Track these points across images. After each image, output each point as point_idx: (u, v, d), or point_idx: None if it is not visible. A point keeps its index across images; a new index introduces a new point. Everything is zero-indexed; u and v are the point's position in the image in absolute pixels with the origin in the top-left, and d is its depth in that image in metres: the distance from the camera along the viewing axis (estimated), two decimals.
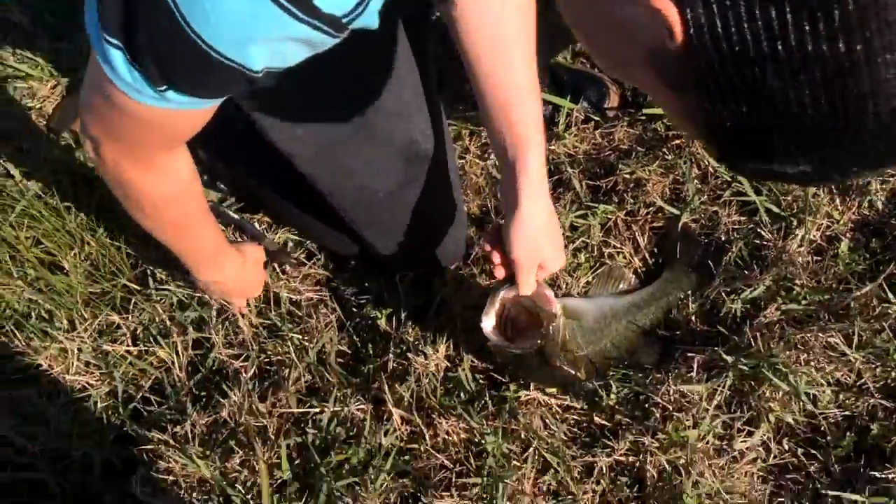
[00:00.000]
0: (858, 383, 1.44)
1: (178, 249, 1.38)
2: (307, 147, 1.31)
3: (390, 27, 1.25)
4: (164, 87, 0.85)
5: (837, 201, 1.66)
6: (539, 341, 1.36)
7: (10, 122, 1.96)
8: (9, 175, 1.86)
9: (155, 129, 0.98)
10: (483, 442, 1.42)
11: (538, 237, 1.29)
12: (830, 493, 1.34)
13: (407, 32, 1.29)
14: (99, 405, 1.58)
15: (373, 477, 1.39)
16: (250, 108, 1.24)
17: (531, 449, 1.41)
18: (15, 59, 2.06)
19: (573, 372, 1.42)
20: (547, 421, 1.45)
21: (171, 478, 1.44)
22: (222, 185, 1.80)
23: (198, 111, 0.94)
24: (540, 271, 1.35)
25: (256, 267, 1.59)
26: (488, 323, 1.37)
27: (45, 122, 1.97)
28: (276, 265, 1.68)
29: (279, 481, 1.43)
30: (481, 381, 1.52)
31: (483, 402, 1.46)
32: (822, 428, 1.41)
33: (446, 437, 1.44)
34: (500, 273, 1.37)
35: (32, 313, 1.69)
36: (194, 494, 1.43)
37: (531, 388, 1.48)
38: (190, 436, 1.48)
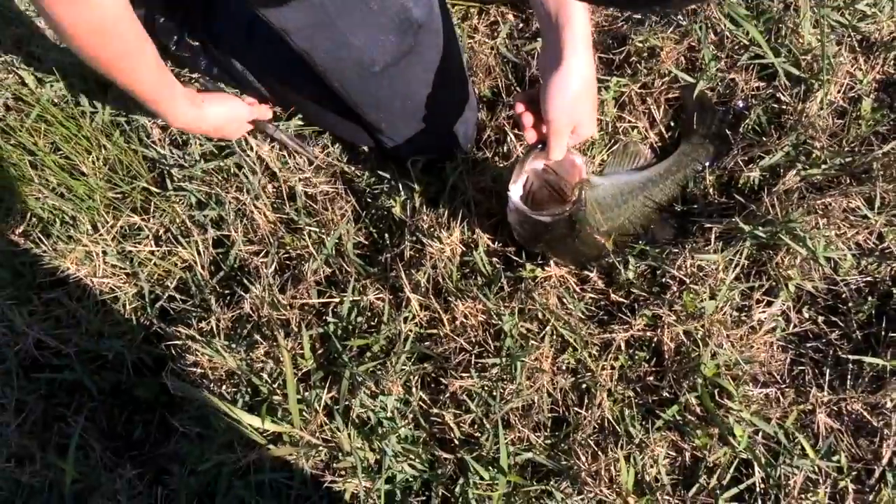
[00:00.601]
0: (881, 247, 1.36)
1: (130, 89, 1.32)
2: (300, 18, 1.22)
3: None
4: None
5: (860, 60, 1.53)
6: (568, 208, 1.28)
7: (20, 29, 1.89)
8: (23, 82, 1.81)
9: None
10: (500, 323, 1.38)
11: (579, 97, 1.20)
12: (851, 357, 1.29)
13: None
14: (127, 306, 1.57)
15: (394, 361, 1.37)
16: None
17: (548, 328, 1.37)
18: None
19: (602, 241, 1.35)
20: (564, 299, 1.41)
21: (199, 370, 1.43)
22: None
23: None
24: (571, 136, 1.26)
25: (234, 125, 1.57)
26: (516, 191, 1.29)
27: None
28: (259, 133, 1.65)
29: (303, 370, 1.42)
30: (497, 264, 1.47)
31: (500, 284, 1.42)
32: (843, 294, 1.35)
33: (464, 320, 1.40)
34: (530, 137, 1.29)
35: (56, 219, 1.67)
36: (223, 386, 1.43)
37: (547, 266, 1.43)
38: (216, 330, 1.47)
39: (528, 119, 1.28)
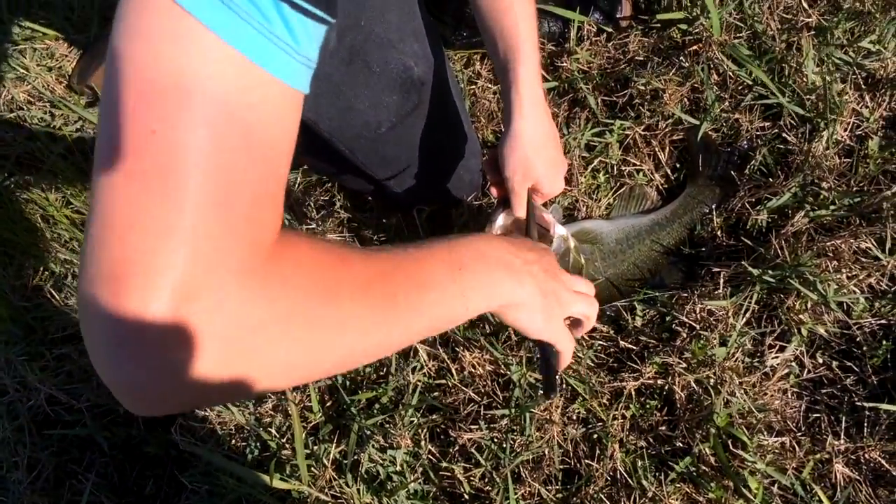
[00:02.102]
0: (893, 289, 1.29)
1: (426, 319, 0.72)
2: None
3: None
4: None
5: (867, 98, 1.47)
6: None
7: (32, 84, 1.87)
8: (34, 138, 1.78)
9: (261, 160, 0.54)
10: (509, 373, 1.32)
11: (530, 156, 1.17)
12: (867, 404, 1.22)
13: None
14: None
15: (402, 414, 1.31)
16: None
17: (557, 377, 1.31)
18: (30, 20, 1.95)
19: None
20: None
21: (208, 426, 1.38)
22: None
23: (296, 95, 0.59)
24: (536, 194, 1.22)
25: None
26: None
27: (65, 82, 1.87)
28: None
29: (311, 424, 1.36)
30: None
31: (506, 333, 1.36)
32: (857, 338, 1.28)
33: (472, 370, 1.35)
34: (493, 192, 1.26)
35: (69, 274, 1.63)
36: (232, 441, 1.38)
37: None
38: None
39: (491, 176, 1.25)
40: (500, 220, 1.25)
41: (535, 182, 1.19)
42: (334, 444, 1.31)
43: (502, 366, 1.33)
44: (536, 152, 1.17)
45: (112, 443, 1.46)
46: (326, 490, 1.28)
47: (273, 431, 1.35)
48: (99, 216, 0.49)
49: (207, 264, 0.49)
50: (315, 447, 1.32)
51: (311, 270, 0.57)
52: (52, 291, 1.58)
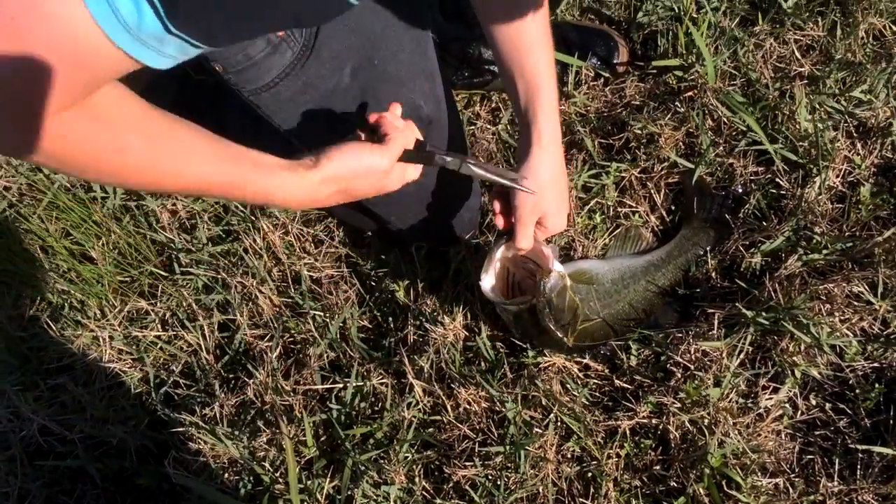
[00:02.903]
0: (886, 332, 1.32)
1: (200, 190, 0.99)
2: (315, 126, 1.21)
3: None
4: (178, 32, 0.69)
5: (858, 145, 1.51)
6: (532, 298, 1.26)
7: None
8: (37, 169, 1.81)
9: (81, 71, 0.72)
10: (504, 410, 1.33)
11: (543, 189, 1.22)
12: (860, 447, 1.23)
13: None
14: (132, 391, 1.53)
15: (397, 449, 1.32)
16: (251, 94, 1.14)
17: (552, 415, 1.32)
18: None
19: (558, 335, 1.30)
20: (567, 386, 1.36)
21: (202, 459, 1.39)
22: None
23: (136, 64, 0.74)
24: (540, 229, 1.26)
25: (363, 181, 1.11)
26: (487, 281, 1.28)
27: None
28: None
29: (305, 458, 1.37)
30: (500, 349, 1.43)
31: (502, 370, 1.37)
32: (850, 381, 1.30)
33: (467, 406, 1.36)
34: (499, 222, 1.29)
35: (65, 304, 1.64)
36: (225, 474, 1.38)
37: (548, 353, 1.39)
38: (219, 417, 1.42)
39: (498, 206, 1.28)
40: (500, 252, 1.27)
41: (541, 216, 1.22)
42: (328, 479, 1.31)
43: (497, 403, 1.34)
44: (549, 187, 1.21)
45: (104, 475, 1.46)
46: None
47: (267, 465, 1.35)
48: None
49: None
50: (309, 482, 1.32)
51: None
52: (49, 322, 1.59)
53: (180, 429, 1.41)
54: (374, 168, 1.10)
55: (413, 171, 1.17)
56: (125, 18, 0.66)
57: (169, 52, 0.72)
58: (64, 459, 1.47)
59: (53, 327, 1.58)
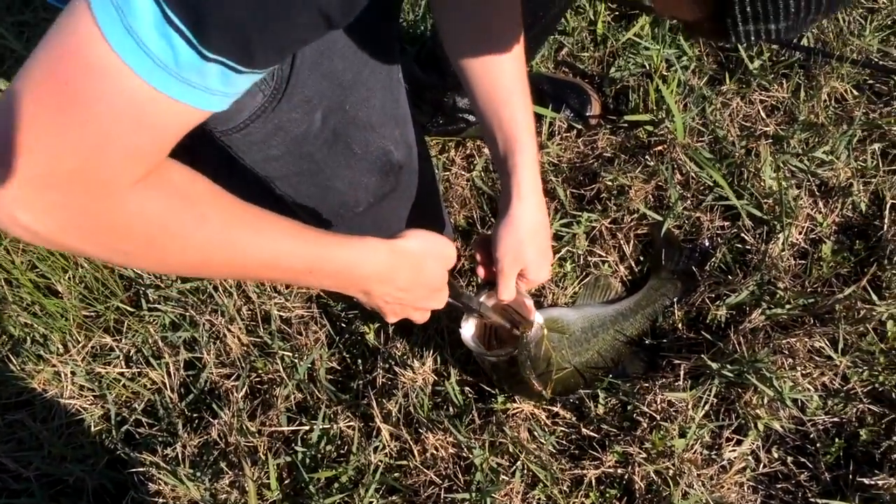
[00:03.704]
0: (846, 388, 1.36)
1: (275, 268, 0.94)
2: (285, 167, 1.23)
3: (355, 34, 1.17)
4: (214, 56, 0.66)
5: (820, 204, 1.57)
6: (513, 350, 1.28)
7: None
8: None
9: (143, 130, 0.70)
10: (471, 456, 1.34)
11: (524, 241, 1.23)
12: (820, 501, 1.26)
13: (370, 39, 1.21)
14: (92, 428, 1.52)
15: (362, 494, 1.32)
16: (222, 135, 1.16)
17: (519, 462, 1.34)
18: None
19: (538, 388, 1.32)
20: (535, 433, 1.38)
21: (161, 500, 1.37)
22: None
23: (202, 114, 0.73)
24: (522, 280, 1.28)
25: (435, 263, 1.13)
26: (467, 329, 1.30)
27: None
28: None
29: (269, 501, 1.36)
30: (469, 394, 1.45)
31: (471, 415, 1.39)
32: (811, 435, 1.33)
33: (434, 451, 1.37)
34: (480, 272, 1.31)
35: (28, 338, 1.63)
36: None
37: (518, 399, 1.41)
38: (181, 457, 1.41)
39: (480, 256, 1.30)
40: (482, 301, 1.29)
41: (523, 267, 1.24)
42: None
43: (465, 449, 1.35)
44: (530, 238, 1.23)
45: None
46: None
47: None
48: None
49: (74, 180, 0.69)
50: None
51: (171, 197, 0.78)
52: (10, 355, 1.57)
53: (140, 469, 1.40)
54: (446, 254, 1.14)
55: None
56: (159, 57, 0.65)
57: (213, 85, 0.71)
58: (18, 497, 1.45)
59: (14, 361, 1.56)
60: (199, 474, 1.38)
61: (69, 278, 1.67)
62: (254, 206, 0.89)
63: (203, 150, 1.42)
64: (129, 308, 1.64)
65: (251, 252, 0.88)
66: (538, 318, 1.32)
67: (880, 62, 1.78)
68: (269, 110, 1.12)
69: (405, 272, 1.07)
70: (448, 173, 1.75)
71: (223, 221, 0.84)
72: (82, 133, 0.67)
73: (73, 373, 1.55)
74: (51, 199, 0.69)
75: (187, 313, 1.59)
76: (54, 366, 1.55)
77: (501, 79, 1.22)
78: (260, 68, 0.74)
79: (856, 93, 1.74)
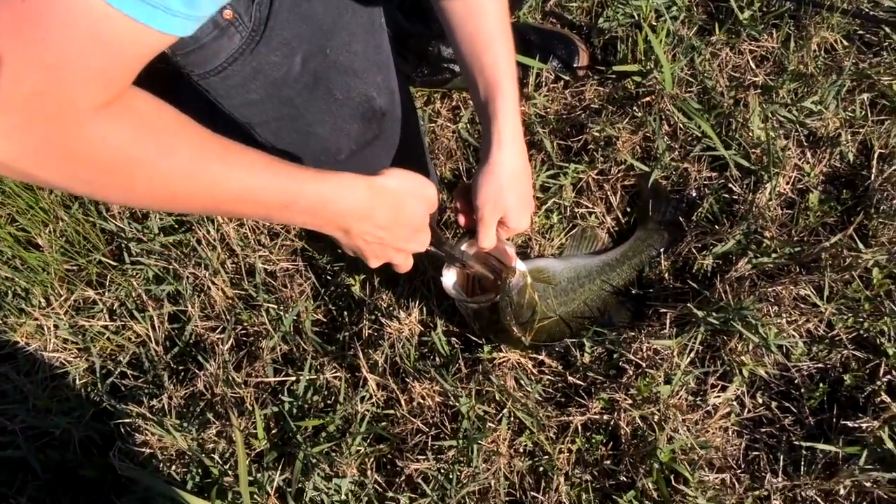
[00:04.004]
0: (830, 334, 1.37)
1: (244, 202, 0.92)
2: (266, 111, 1.22)
3: None
4: None
5: (808, 154, 1.57)
6: (494, 296, 1.28)
7: None
8: None
9: (100, 50, 0.69)
10: (458, 404, 1.35)
11: (504, 188, 1.23)
12: (804, 444, 1.28)
13: None
14: (77, 381, 1.52)
15: (349, 442, 1.33)
16: (200, 78, 1.14)
17: (505, 410, 1.35)
18: None
19: (518, 334, 1.33)
20: (521, 382, 1.39)
21: (148, 450, 1.38)
22: None
23: (162, 37, 0.73)
24: (502, 228, 1.28)
25: (415, 202, 1.13)
26: (448, 277, 1.31)
27: None
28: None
29: (256, 451, 1.37)
30: (455, 344, 1.46)
31: (457, 365, 1.40)
32: (796, 380, 1.35)
33: (421, 401, 1.37)
34: (461, 220, 1.31)
35: (9, 291, 1.62)
36: (172, 466, 1.37)
37: (504, 349, 1.42)
38: (167, 408, 1.42)
39: (461, 205, 1.30)
40: (463, 249, 1.29)
41: (503, 214, 1.24)
42: (278, 472, 1.31)
43: (451, 397, 1.36)
44: (510, 185, 1.22)
45: (45, 466, 1.44)
46: None
47: (216, 458, 1.35)
48: None
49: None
50: (259, 474, 1.32)
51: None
52: None
53: (126, 420, 1.40)
54: (427, 194, 1.14)
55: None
56: None
57: (174, 5, 0.70)
58: (4, 450, 1.45)
59: None
60: (185, 425, 1.38)
61: (49, 232, 1.66)
62: (224, 138, 0.88)
63: (182, 97, 1.41)
64: (111, 262, 1.63)
65: (221, 184, 0.87)
66: (520, 265, 1.32)
67: (870, 12, 1.77)
68: (247, 52, 1.11)
69: (384, 209, 1.07)
70: (434, 125, 1.74)
71: (192, 152, 0.83)
72: (39, 52, 0.66)
73: (56, 326, 1.54)
74: (11, 123, 0.68)
75: (170, 266, 1.58)
76: (37, 319, 1.55)
77: (484, 24, 1.21)
78: None
79: (846, 43, 1.73)
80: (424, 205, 1.14)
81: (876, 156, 1.54)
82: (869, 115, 1.61)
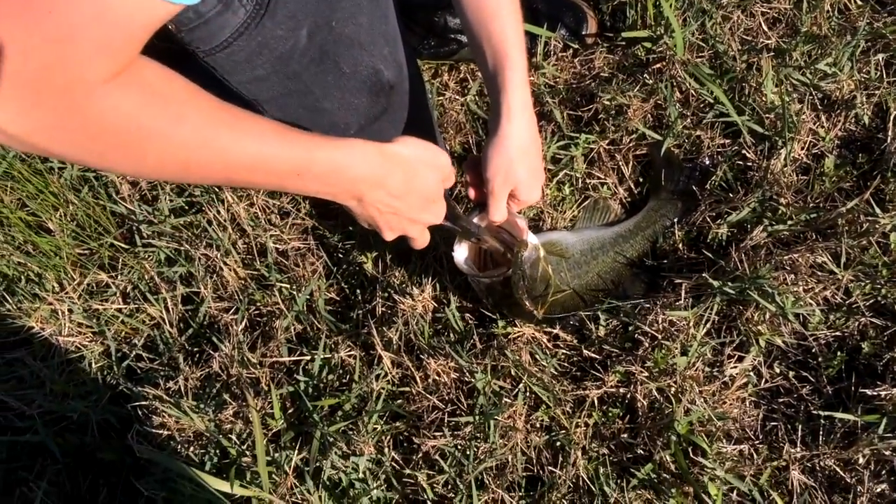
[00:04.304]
0: (848, 302, 1.36)
1: (258, 170, 0.92)
2: (272, 87, 1.21)
3: None
4: None
5: (823, 118, 1.55)
6: (507, 270, 1.28)
7: None
8: None
9: (107, 21, 0.70)
10: (473, 380, 1.35)
11: (514, 160, 1.22)
12: (823, 413, 1.27)
13: None
14: (93, 365, 1.52)
15: (365, 421, 1.33)
16: (205, 55, 1.13)
17: (521, 385, 1.35)
18: None
19: (530, 307, 1.32)
20: (536, 356, 1.38)
21: (166, 432, 1.39)
22: None
23: (170, 6, 0.74)
24: (513, 201, 1.27)
25: (428, 170, 1.11)
26: (460, 252, 1.30)
27: None
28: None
29: (273, 431, 1.37)
30: (469, 320, 1.45)
31: (472, 341, 1.39)
32: (813, 349, 1.34)
33: (436, 377, 1.38)
34: (471, 194, 1.30)
35: (22, 277, 1.63)
36: (190, 448, 1.38)
37: (519, 323, 1.41)
38: (183, 390, 1.42)
39: (470, 177, 1.29)
40: (474, 223, 1.28)
41: (514, 187, 1.23)
42: (296, 451, 1.32)
43: (467, 373, 1.36)
44: (520, 157, 1.21)
45: (64, 450, 1.46)
46: (288, 497, 1.29)
47: (233, 438, 1.36)
48: None
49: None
50: (276, 454, 1.33)
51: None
52: (5, 295, 1.57)
53: (143, 402, 1.41)
54: (440, 162, 1.12)
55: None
56: None
57: None
58: (23, 435, 1.47)
59: (10, 300, 1.56)
60: (202, 406, 1.39)
61: (60, 216, 1.65)
62: (235, 107, 0.88)
63: (189, 75, 1.40)
64: (122, 245, 1.63)
65: (233, 153, 0.87)
66: (533, 239, 1.31)
67: None
68: (253, 27, 1.09)
69: (397, 177, 1.06)
70: (442, 98, 1.72)
71: (202, 121, 0.83)
72: (47, 25, 0.67)
73: (70, 310, 1.55)
74: (22, 98, 0.69)
75: (182, 248, 1.58)
76: (51, 304, 1.55)
77: None
78: None
79: (859, 2, 1.70)
80: (437, 174, 1.13)
81: (892, 118, 1.51)
82: (884, 76, 1.58)
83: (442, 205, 1.17)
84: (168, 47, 1.35)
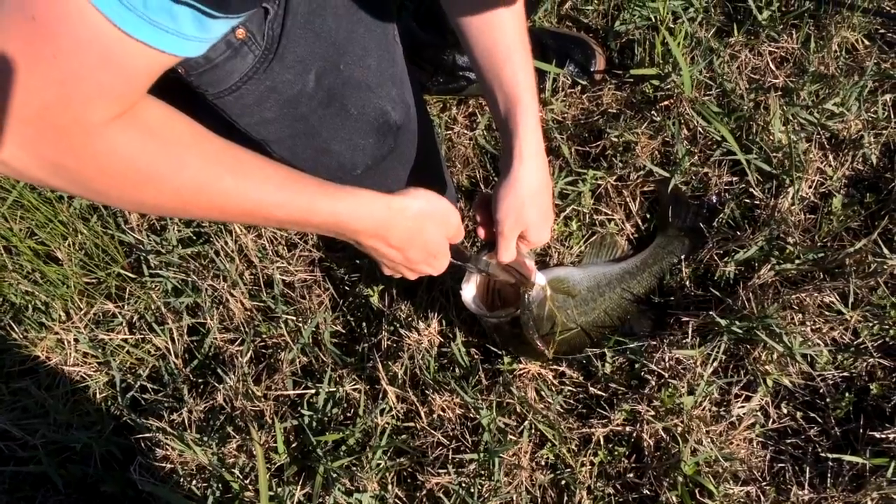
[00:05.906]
0: (856, 342, 1.35)
1: (266, 214, 0.93)
2: (281, 129, 1.22)
3: None
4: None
5: (830, 157, 1.55)
6: (515, 310, 1.28)
7: None
8: None
9: (112, 70, 0.70)
10: (478, 417, 1.35)
11: (526, 203, 1.21)
12: (831, 455, 1.26)
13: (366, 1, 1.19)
14: (98, 395, 1.52)
15: (369, 456, 1.32)
16: (214, 98, 1.14)
17: (527, 422, 1.34)
18: None
19: (541, 347, 1.32)
20: (542, 393, 1.38)
21: (169, 465, 1.38)
22: None
23: (174, 58, 0.74)
24: (523, 241, 1.27)
25: (434, 227, 1.12)
26: (468, 291, 1.30)
27: None
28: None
29: (276, 465, 1.37)
30: (475, 355, 1.45)
31: (477, 376, 1.39)
32: (821, 390, 1.33)
33: (441, 413, 1.37)
34: (481, 233, 1.30)
35: (29, 306, 1.63)
36: (193, 481, 1.37)
37: (524, 360, 1.41)
38: (187, 423, 1.42)
39: (481, 217, 1.29)
40: (483, 261, 1.28)
41: (524, 229, 1.23)
42: (299, 487, 1.32)
43: (472, 409, 1.35)
44: (531, 199, 1.21)
45: (67, 481, 1.45)
46: None
47: (236, 472, 1.35)
48: None
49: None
50: (279, 489, 1.32)
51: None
52: (11, 324, 1.57)
53: (147, 434, 1.41)
54: (450, 221, 1.13)
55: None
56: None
57: (188, 31, 0.71)
58: (25, 465, 1.46)
59: (16, 329, 1.57)
60: (206, 439, 1.39)
61: (69, 245, 1.66)
62: (238, 147, 0.88)
63: (198, 116, 1.41)
64: (130, 274, 1.64)
65: (233, 199, 0.88)
66: (540, 278, 1.31)
67: (892, 10, 1.74)
68: (261, 71, 1.10)
69: (399, 231, 1.07)
70: (450, 132, 1.73)
71: (203, 165, 0.83)
72: (50, 68, 0.68)
73: (76, 340, 1.55)
74: (24, 134, 0.70)
75: (189, 279, 1.59)
76: (57, 333, 1.55)
77: (501, 37, 1.20)
78: (235, 13, 0.74)
79: (867, 42, 1.71)
80: (444, 230, 1.13)
81: None
82: (892, 116, 1.58)
83: (444, 260, 1.17)
84: (178, 83, 1.37)
